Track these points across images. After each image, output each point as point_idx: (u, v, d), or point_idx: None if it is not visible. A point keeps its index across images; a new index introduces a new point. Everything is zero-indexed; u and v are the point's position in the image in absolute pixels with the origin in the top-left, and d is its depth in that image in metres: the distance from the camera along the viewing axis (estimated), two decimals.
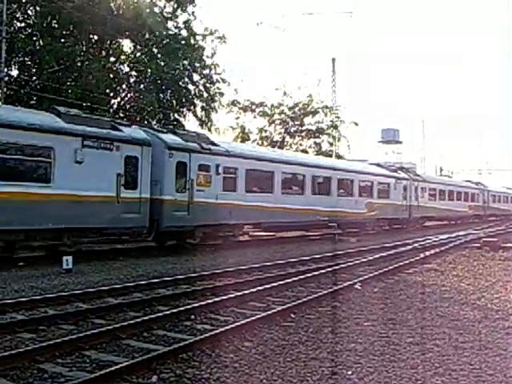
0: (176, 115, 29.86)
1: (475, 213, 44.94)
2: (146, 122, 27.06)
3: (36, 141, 13.17)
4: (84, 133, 14.16)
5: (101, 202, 14.38)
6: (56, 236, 14.02)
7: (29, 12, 26.29)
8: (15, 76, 25.35)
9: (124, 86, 28.65)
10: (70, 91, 23.54)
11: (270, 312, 8.24)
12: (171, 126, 28.47)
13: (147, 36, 27.36)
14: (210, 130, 31.72)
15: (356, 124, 47.00)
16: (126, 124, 16.82)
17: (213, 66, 30.48)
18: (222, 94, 32.01)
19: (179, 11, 28.90)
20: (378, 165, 32.39)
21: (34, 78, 25.08)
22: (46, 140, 13.33)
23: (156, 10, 27.91)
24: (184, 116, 30.49)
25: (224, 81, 31.40)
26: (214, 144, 18.60)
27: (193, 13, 29.09)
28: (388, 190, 29.30)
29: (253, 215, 19.43)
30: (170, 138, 17.06)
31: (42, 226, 13.31)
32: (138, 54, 28.90)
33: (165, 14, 28.49)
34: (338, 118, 46.35)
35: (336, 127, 46.13)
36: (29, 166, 13.34)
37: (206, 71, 30.17)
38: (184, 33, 29.16)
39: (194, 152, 17.18)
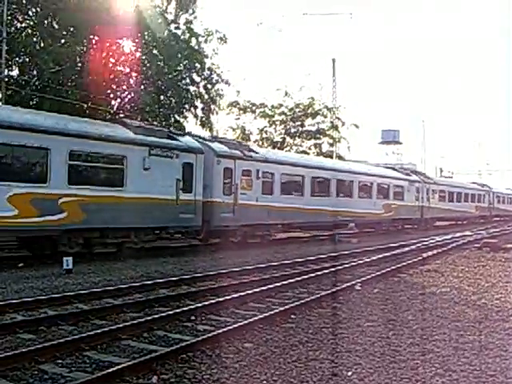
0: (177, 116, 29.83)
1: (481, 214, 46.22)
2: (145, 123, 27.06)
3: (113, 150, 15.07)
4: (150, 143, 16.00)
5: (163, 203, 16.22)
6: (125, 234, 15.72)
7: (29, 13, 26.28)
8: (15, 76, 25.34)
9: (124, 87, 28.62)
10: (69, 92, 23.51)
11: (270, 313, 8.24)
12: (171, 127, 28.50)
13: (148, 37, 27.34)
14: (211, 130, 31.71)
15: (356, 126, 46.98)
16: (180, 134, 18.98)
17: (213, 67, 30.47)
18: (221, 96, 31.99)
19: (180, 12, 28.89)
20: (394, 169, 34.37)
21: (35, 78, 25.08)
22: (121, 150, 15.24)
23: (157, 10, 27.90)
24: (185, 117, 30.48)
25: (224, 80, 31.37)
26: (253, 151, 20.58)
27: (193, 12, 29.06)
28: (402, 192, 31.17)
29: (286, 216, 21.20)
30: (217, 146, 18.87)
31: (116, 225, 15.13)
32: (139, 55, 28.87)
33: (166, 16, 28.48)
34: (339, 119, 46.32)
35: (336, 128, 46.11)
36: (106, 173, 15.26)
37: (207, 72, 30.14)
38: (185, 33, 29.14)
39: (238, 159, 19.08)
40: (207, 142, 18.77)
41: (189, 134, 20.51)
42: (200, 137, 20.14)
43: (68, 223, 13.94)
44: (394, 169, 34.17)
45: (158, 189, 16.02)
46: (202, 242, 19.11)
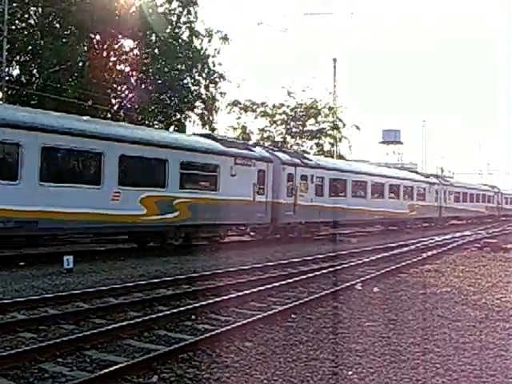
0: (177, 115, 29.83)
1: (490, 213, 49.24)
2: (146, 122, 27.08)
3: (211, 160, 18.15)
4: (235, 153, 19.12)
5: (244, 204, 19.24)
6: (215, 230, 18.58)
7: (30, 12, 26.28)
8: (16, 75, 25.35)
9: (125, 86, 28.62)
10: (69, 91, 23.48)
11: (270, 312, 8.24)
12: (173, 126, 28.53)
13: (149, 36, 27.33)
14: (212, 130, 31.70)
15: (358, 128, 46.93)
16: (253, 145, 23.14)
17: (214, 66, 30.44)
18: (222, 94, 31.97)
19: (182, 11, 28.80)
20: (416, 172, 39.77)
21: (35, 77, 25.08)
22: (216, 160, 18.27)
23: (159, 10, 27.88)
24: (185, 116, 30.46)
25: (225, 78, 31.36)
26: (308, 159, 24.15)
27: (195, 13, 29.01)
28: (424, 193, 34.67)
29: (333, 215, 24.09)
30: (282, 155, 22.35)
31: (211, 221, 18.06)
32: (139, 54, 28.87)
33: (168, 15, 28.45)
34: (341, 120, 46.30)
35: (337, 128, 46.08)
36: (205, 179, 18.25)
37: (208, 71, 30.11)
38: (186, 33, 29.12)
39: (297, 166, 22.45)
40: (274, 152, 22.28)
41: (259, 144, 24.81)
42: (268, 147, 24.27)
43: (179, 220, 16.97)
44: (416, 172, 38.88)
45: (240, 192, 19.09)
46: (269, 236, 21.80)
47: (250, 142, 40.54)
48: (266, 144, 41.97)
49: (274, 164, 20.99)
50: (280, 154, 22.17)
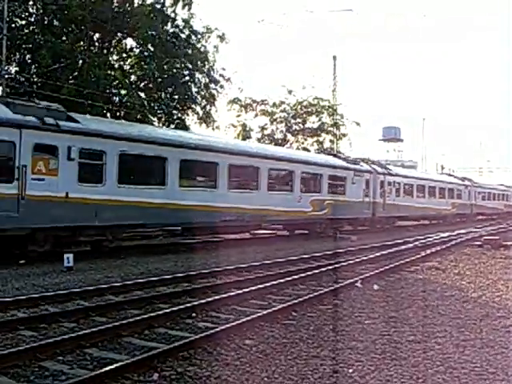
0: (178, 113, 29.77)
1: (508, 210, 54.33)
2: (146, 120, 27.01)
3: (341, 174, 25.57)
4: (354, 168, 26.73)
5: (358, 203, 26.52)
6: (340, 222, 25.62)
7: (30, 10, 26.23)
8: (14, 73, 25.29)
9: (125, 84, 28.54)
10: (69, 89, 23.40)
11: (270, 310, 8.23)
12: (173, 125, 28.49)
13: (148, 34, 27.21)
14: (213, 128, 31.69)
15: (358, 124, 47.00)
16: (357, 160, 28.99)
17: (213, 64, 30.34)
18: (221, 92, 31.89)
19: (179, 8, 28.60)
20: (450, 175, 48.05)
21: (34, 75, 25.03)
22: (344, 173, 25.82)
23: (156, 7, 27.73)
24: (186, 114, 30.41)
25: (224, 77, 31.29)
26: (389, 169, 31.84)
27: (189, 9, 28.62)
28: (461, 193, 42.45)
29: (405, 211, 31.83)
30: (376, 167, 29.53)
31: (341, 216, 25.03)
32: (138, 52, 28.80)
33: (166, 12, 28.30)
34: (342, 118, 46.29)
35: (337, 125, 46.08)
36: (339, 186, 25.41)
37: (207, 69, 30.02)
38: (185, 31, 28.96)
39: (385, 174, 30.02)
40: (371, 165, 29.44)
41: (363, 160, 30.14)
42: (368, 161, 30.34)
43: (327, 215, 23.88)
44: (450, 175, 47.12)
45: (356, 195, 26.40)
46: (370, 227, 28.51)
47: (251, 141, 40.79)
48: (267, 142, 42.19)
49: (373, 174, 28.42)
50: (375, 167, 29.54)
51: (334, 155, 29.49)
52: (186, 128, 28.28)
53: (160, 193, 16.23)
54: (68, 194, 13.87)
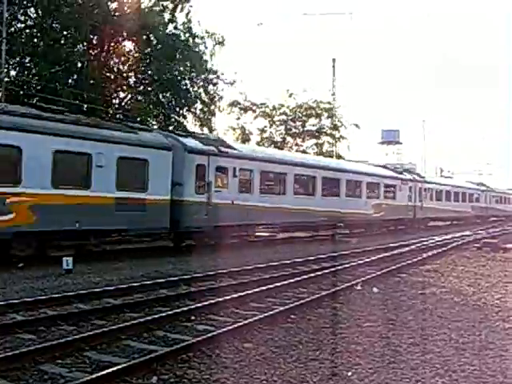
0: (176, 116, 29.74)
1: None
2: (146, 123, 26.98)
3: (392, 182, 31.21)
4: (402, 178, 32.75)
5: (403, 206, 31.93)
6: (384, 223, 30.05)
7: (29, 13, 26.23)
8: (14, 77, 25.27)
9: (124, 87, 28.55)
10: (69, 92, 23.38)
11: (270, 313, 8.22)
12: (172, 127, 28.47)
13: (146, 37, 27.22)
14: (210, 131, 31.65)
15: (357, 126, 47.05)
16: (399, 170, 34.66)
17: (212, 67, 30.35)
18: (221, 98, 31.89)
19: (178, 11, 28.60)
20: (470, 182, 51.81)
21: (34, 78, 25.02)
22: (394, 182, 31.38)
23: (156, 9, 27.75)
24: (185, 117, 30.39)
25: (223, 80, 31.27)
26: (421, 176, 37.96)
27: (187, 14, 28.66)
28: (479, 197, 48.56)
29: (437, 213, 37.72)
30: (415, 176, 35.61)
31: (391, 217, 30.17)
32: (137, 55, 28.79)
33: (165, 15, 28.31)
34: (340, 121, 46.35)
35: (336, 128, 46.12)
36: (390, 192, 30.85)
37: (205, 72, 30.00)
38: (183, 34, 28.95)
39: (422, 182, 35.69)
40: (412, 174, 35.70)
41: (405, 170, 36.49)
42: (408, 171, 36.40)
43: (382, 217, 29.16)
44: (471, 182, 52.02)
45: (403, 199, 31.94)
46: (410, 227, 32.60)
47: (251, 143, 40.90)
48: (266, 144, 42.24)
49: (414, 182, 33.87)
50: (415, 176, 35.59)
51: (384, 166, 34.89)
52: (185, 130, 28.25)
53: (277, 199, 21.72)
54: (233, 202, 18.92)
